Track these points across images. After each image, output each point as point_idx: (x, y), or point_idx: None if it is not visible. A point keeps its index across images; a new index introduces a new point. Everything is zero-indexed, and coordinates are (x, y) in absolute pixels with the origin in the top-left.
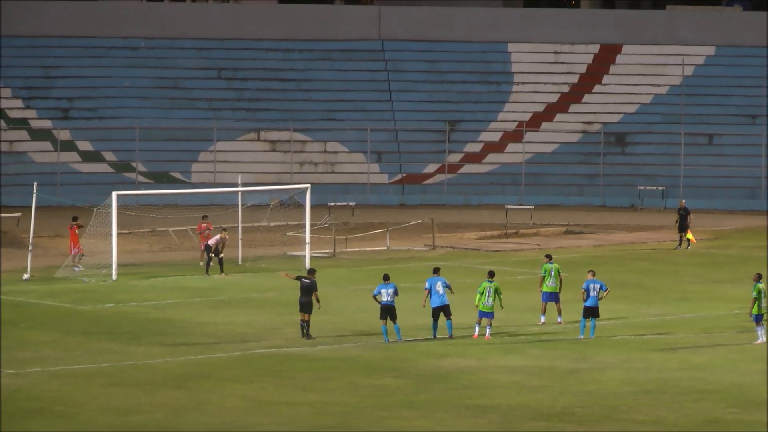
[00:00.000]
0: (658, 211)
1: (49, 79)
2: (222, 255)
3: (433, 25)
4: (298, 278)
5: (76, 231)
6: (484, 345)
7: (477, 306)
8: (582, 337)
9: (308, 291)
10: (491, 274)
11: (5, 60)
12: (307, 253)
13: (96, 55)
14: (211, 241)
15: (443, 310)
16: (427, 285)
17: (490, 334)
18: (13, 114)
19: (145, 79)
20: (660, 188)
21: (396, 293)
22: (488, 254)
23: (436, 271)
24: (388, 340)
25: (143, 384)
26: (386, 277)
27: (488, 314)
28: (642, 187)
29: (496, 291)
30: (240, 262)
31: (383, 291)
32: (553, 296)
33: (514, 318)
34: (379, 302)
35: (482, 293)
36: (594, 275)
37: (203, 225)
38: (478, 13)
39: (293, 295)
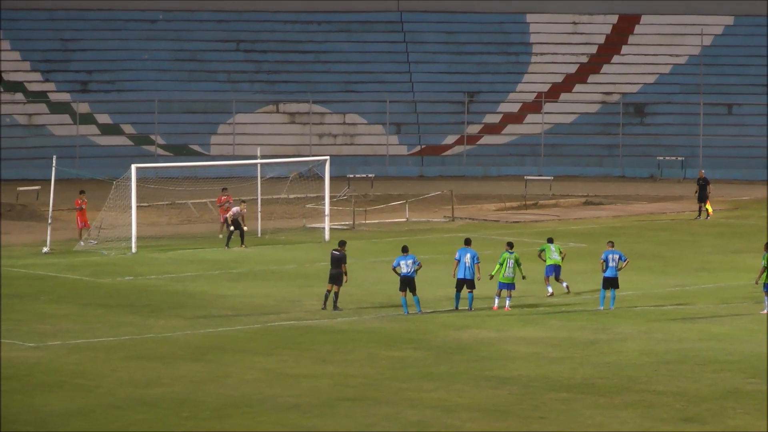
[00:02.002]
0: (677, 181)
1: (67, 51)
2: (245, 227)
3: None
4: (331, 254)
5: (84, 207)
6: (504, 316)
7: (496, 277)
8: (602, 308)
9: (338, 263)
10: (510, 245)
11: (24, 33)
12: (327, 225)
13: (115, 27)
14: (229, 213)
15: (467, 283)
16: (457, 256)
17: (510, 306)
18: (32, 87)
19: (164, 51)
20: (679, 159)
21: (416, 264)
22: (507, 225)
23: (468, 242)
24: (407, 312)
25: (163, 357)
26: (405, 249)
27: (509, 285)
28: (661, 158)
29: (517, 261)
30: (259, 235)
31: (402, 263)
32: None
33: (533, 289)
34: (399, 274)
35: (502, 264)
36: (613, 246)
37: (223, 197)
38: None
39: (312, 267)
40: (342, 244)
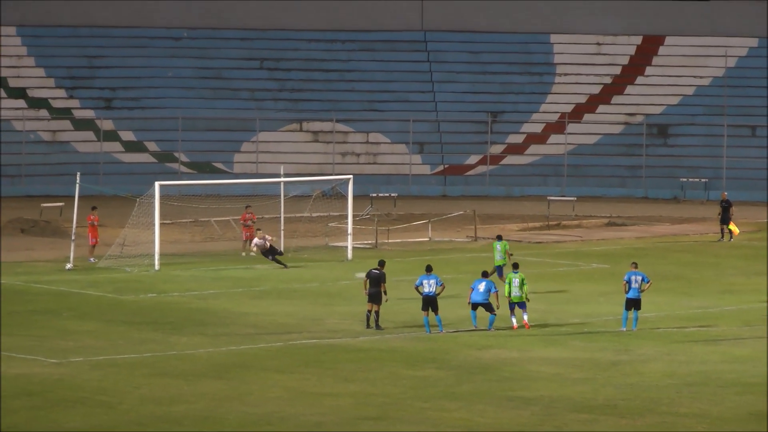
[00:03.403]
0: (700, 203)
1: (92, 68)
2: (280, 250)
3: (475, 15)
4: (369, 273)
5: (95, 223)
6: (526, 336)
7: (508, 297)
8: (624, 329)
9: (377, 282)
10: (515, 266)
11: (49, 50)
12: (349, 244)
13: (139, 45)
14: (254, 249)
15: (483, 306)
16: (472, 284)
17: (529, 321)
18: (56, 104)
19: (188, 69)
20: (702, 180)
21: (439, 285)
22: (530, 246)
23: (485, 274)
24: (429, 332)
25: (185, 374)
26: (429, 269)
27: (520, 304)
28: (684, 179)
29: (522, 281)
30: (282, 253)
31: (425, 282)
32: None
33: (555, 310)
34: (421, 293)
35: (509, 284)
36: (636, 267)
37: (247, 215)
38: (520, 3)
39: (335, 286)
40: (381, 263)
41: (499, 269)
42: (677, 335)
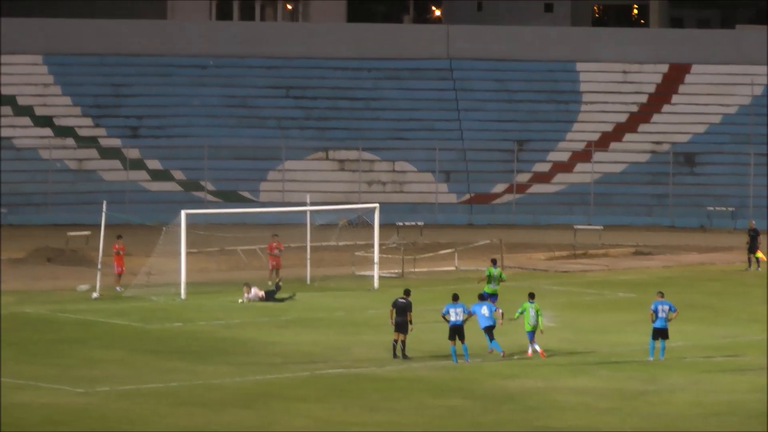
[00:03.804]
0: (727, 231)
1: (118, 97)
2: (273, 288)
3: (501, 43)
4: (395, 302)
5: (121, 252)
6: (552, 366)
7: (521, 323)
8: (651, 358)
9: (403, 311)
10: (532, 296)
11: (75, 78)
12: (376, 273)
13: (165, 73)
14: (251, 297)
15: (490, 329)
16: (472, 310)
17: (551, 350)
18: (82, 132)
19: (214, 97)
20: (729, 209)
21: (466, 313)
22: (557, 275)
23: (482, 297)
24: (456, 361)
25: (211, 403)
26: (456, 297)
27: (532, 333)
28: (711, 208)
29: (538, 312)
30: (308, 282)
31: (452, 311)
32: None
33: (582, 339)
34: (448, 321)
35: (523, 313)
36: (663, 296)
37: (273, 244)
38: (546, 31)
39: (361, 315)
40: (407, 292)
41: (488, 296)
42: (704, 365)
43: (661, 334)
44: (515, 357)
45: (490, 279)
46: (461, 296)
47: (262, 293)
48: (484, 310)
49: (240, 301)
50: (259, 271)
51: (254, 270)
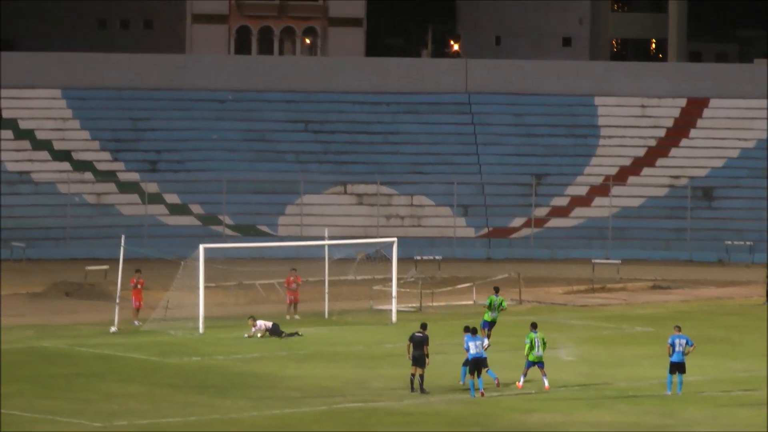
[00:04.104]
0: (745, 265)
1: (137, 131)
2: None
3: (519, 78)
4: (412, 336)
5: (138, 286)
6: (570, 400)
7: (526, 356)
8: (669, 392)
9: (420, 345)
10: (534, 326)
11: (93, 112)
12: (394, 307)
13: (183, 107)
14: (259, 329)
15: (481, 361)
16: (465, 345)
17: (569, 383)
18: (101, 166)
19: (233, 131)
20: (747, 243)
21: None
22: (575, 309)
23: (469, 329)
24: (474, 395)
25: None
26: (474, 330)
27: (539, 363)
28: (729, 242)
29: (543, 341)
30: (326, 316)
31: (471, 344)
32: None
33: (600, 373)
34: (468, 355)
35: (531, 343)
36: (680, 330)
37: (291, 278)
38: (564, 66)
39: (379, 349)
40: (424, 326)
41: (487, 324)
42: (722, 399)
43: (678, 368)
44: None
45: (490, 307)
46: (478, 330)
47: (269, 324)
48: (471, 346)
49: (246, 335)
50: (277, 305)
51: (272, 304)
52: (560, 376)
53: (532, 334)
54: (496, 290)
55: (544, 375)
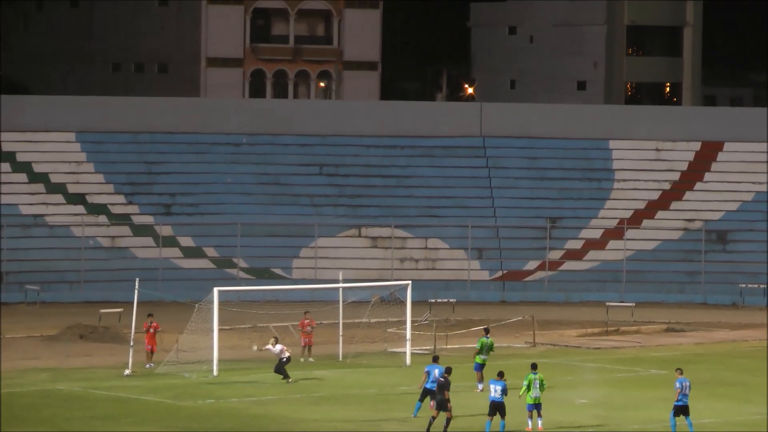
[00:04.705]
0: (760, 309)
1: (151, 174)
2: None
3: (534, 121)
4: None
5: (151, 330)
6: None
7: (524, 398)
8: None
9: (441, 389)
10: (534, 366)
11: (108, 156)
12: (408, 349)
13: (198, 150)
14: (277, 351)
15: (430, 394)
16: (426, 369)
17: (542, 425)
18: (115, 210)
19: (247, 174)
20: (762, 286)
21: (504, 392)
22: (589, 351)
23: (435, 359)
24: None
25: None
26: (500, 374)
27: (537, 406)
28: (743, 285)
29: (541, 382)
30: (340, 359)
31: (492, 387)
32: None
33: (614, 415)
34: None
35: (528, 385)
36: (682, 373)
37: (306, 321)
38: (579, 109)
39: (393, 392)
40: (448, 370)
41: (480, 367)
42: None
43: (683, 410)
44: None
45: (481, 349)
46: (493, 373)
47: (286, 354)
48: (436, 372)
49: (255, 347)
50: (291, 348)
51: (287, 347)
52: (575, 418)
53: (531, 375)
54: (486, 331)
55: (540, 417)
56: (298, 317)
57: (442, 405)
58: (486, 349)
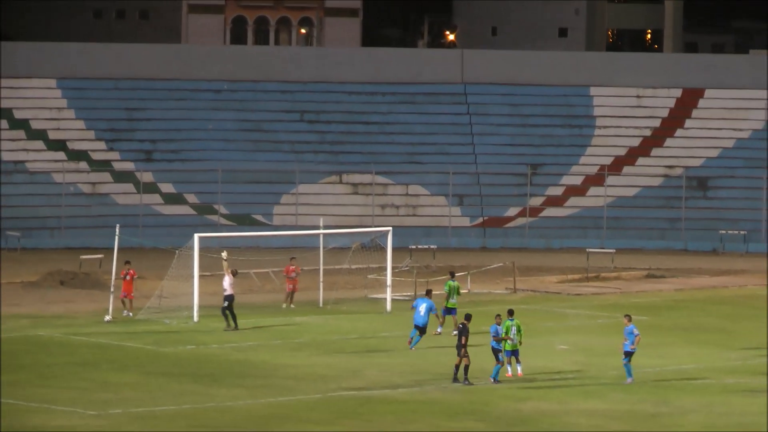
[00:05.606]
0: (739, 255)
1: (132, 121)
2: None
3: (515, 68)
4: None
5: (128, 277)
6: (565, 388)
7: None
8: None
9: (459, 336)
10: (511, 313)
11: (89, 102)
12: (388, 296)
13: (180, 97)
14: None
15: (420, 329)
16: (414, 304)
17: (521, 370)
18: (96, 156)
19: (228, 121)
20: (742, 232)
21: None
22: (569, 298)
23: (428, 293)
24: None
25: (224, 426)
26: (467, 317)
27: (515, 352)
28: (724, 232)
29: (518, 328)
30: (321, 305)
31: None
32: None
33: (594, 362)
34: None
35: (506, 332)
36: (630, 320)
37: (291, 267)
38: (560, 56)
39: (374, 337)
40: (468, 317)
41: (453, 311)
42: (717, 387)
43: (631, 355)
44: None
45: (450, 293)
46: (474, 318)
47: (229, 293)
48: (423, 308)
49: (224, 254)
50: (272, 294)
51: (267, 293)
52: (555, 364)
53: (509, 322)
54: (452, 275)
55: (519, 363)
56: (279, 264)
57: (458, 351)
58: (453, 292)
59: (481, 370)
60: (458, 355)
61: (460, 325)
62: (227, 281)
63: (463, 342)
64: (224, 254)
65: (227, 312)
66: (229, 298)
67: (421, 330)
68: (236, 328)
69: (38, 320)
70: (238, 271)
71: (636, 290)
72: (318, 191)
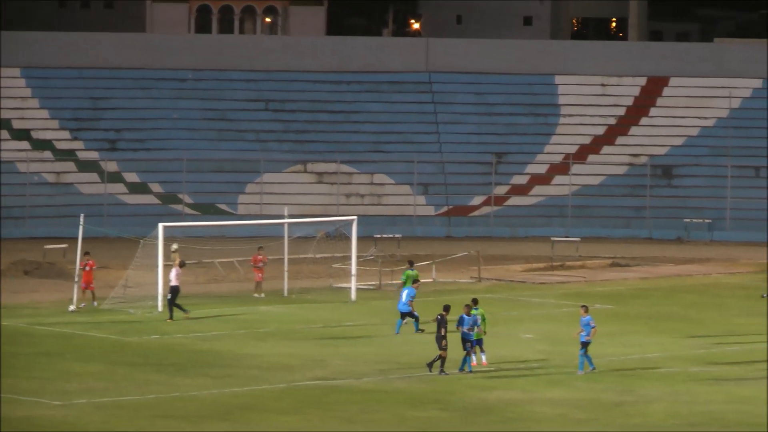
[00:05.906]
0: (704, 243)
1: (96, 110)
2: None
3: (480, 57)
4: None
5: (87, 268)
6: (530, 377)
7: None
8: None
9: (439, 327)
10: (475, 302)
11: (53, 91)
12: (353, 285)
13: (144, 86)
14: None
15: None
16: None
17: (486, 359)
18: (60, 145)
19: (193, 110)
20: (706, 221)
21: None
22: (534, 286)
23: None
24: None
25: (189, 416)
26: (448, 308)
27: (479, 341)
28: (688, 220)
29: (482, 317)
30: (285, 294)
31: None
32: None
33: (559, 350)
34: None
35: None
36: (587, 311)
37: (258, 257)
38: (525, 44)
39: (338, 326)
40: (446, 309)
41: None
42: (680, 375)
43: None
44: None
45: (406, 282)
46: (437, 308)
47: (174, 284)
48: (404, 295)
49: (174, 246)
50: (236, 284)
51: (232, 282)
52: (520, 353)
53: (473, 311)
54: (410, 263)
55: (483, 352)
56: (244, 253)
57: (439, 342)
58: (411, 281)
59: (451, 360)
60: (440, 348)
61: (439, 317)
62: (174, 273)
63: (443, 333)
64: (174, 246)
65: (171, 304)
66: (174, 290)
67: (402, 315)
68: (171, 318)
69: (2, 310)
70: (203, 260)
71: (601, 279)
72: (283, 180)
